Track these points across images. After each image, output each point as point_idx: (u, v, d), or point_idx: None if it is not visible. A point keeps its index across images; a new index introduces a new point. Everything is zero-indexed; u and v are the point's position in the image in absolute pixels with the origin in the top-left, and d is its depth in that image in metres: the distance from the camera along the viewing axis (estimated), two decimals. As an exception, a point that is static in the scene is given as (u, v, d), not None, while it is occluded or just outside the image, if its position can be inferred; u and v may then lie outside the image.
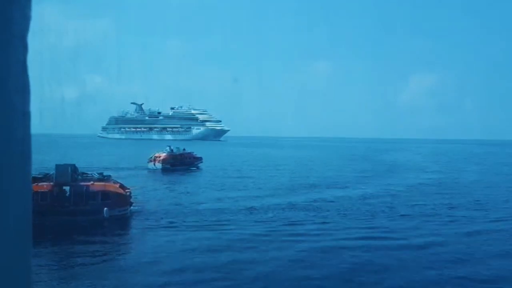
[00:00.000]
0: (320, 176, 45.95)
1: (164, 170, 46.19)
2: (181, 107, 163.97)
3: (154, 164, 47.40)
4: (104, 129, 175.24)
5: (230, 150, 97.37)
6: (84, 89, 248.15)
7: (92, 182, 22.04)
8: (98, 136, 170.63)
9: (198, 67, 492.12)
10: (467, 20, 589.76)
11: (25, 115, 1.07)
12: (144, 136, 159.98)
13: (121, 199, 22.10)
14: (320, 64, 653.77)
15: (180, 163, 48.91)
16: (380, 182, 41.03)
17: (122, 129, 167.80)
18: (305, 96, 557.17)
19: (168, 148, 50.88)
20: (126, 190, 23.31)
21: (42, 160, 42.76)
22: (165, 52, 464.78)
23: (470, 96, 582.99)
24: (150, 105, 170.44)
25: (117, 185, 22.81)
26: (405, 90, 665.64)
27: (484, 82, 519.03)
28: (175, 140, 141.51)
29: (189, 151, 53.17)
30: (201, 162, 53.26)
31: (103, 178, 23.35)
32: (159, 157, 47.98)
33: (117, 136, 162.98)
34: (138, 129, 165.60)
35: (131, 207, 23.32)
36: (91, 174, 24.13)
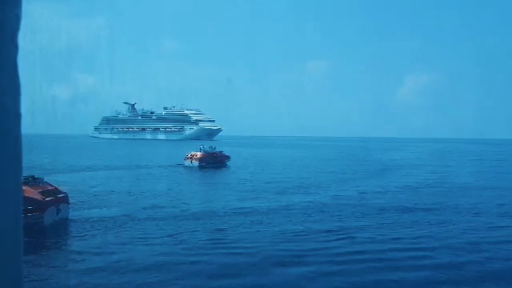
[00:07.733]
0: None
1: (201, 168, 49.02)
2: (174, 107, 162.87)
3: (191, 162, 50.05)
4: (96, 129, 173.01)
5: (230, 150, 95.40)
6: (77, 89, 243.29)
7: None
8: (91, 136, 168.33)
9: (192, 67, 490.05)
10: (461, 19, 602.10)
11: (16, 116, 1.08)
12: (137, 136, 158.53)
13: (37, 205, 20.33)
14: (313, 63, 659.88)
15: (214, 161, 51.75)
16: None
17: (115, 129, 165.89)
18: (299, 95, 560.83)
19: (201, 147, 53.32)
20: (58, 196, 21.64)
21: (42, 161, 41.43)
22: (159, 52, 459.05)
23: (463, 95, 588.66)
24: (144, 105, 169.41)
25: (36, 190, 20.86)
26: (399, 89, 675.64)
27: (477, 81, 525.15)
28: (167, 140, 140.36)
29: (220, 150, 55.88)
30: (229, 160, 55.99)
31: (24, 181, 20.91)
32: (196, 155, 50.72)
33: (109, 136, 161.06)
34: (130, 129, 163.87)
35: (60, 214, 21.39)
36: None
